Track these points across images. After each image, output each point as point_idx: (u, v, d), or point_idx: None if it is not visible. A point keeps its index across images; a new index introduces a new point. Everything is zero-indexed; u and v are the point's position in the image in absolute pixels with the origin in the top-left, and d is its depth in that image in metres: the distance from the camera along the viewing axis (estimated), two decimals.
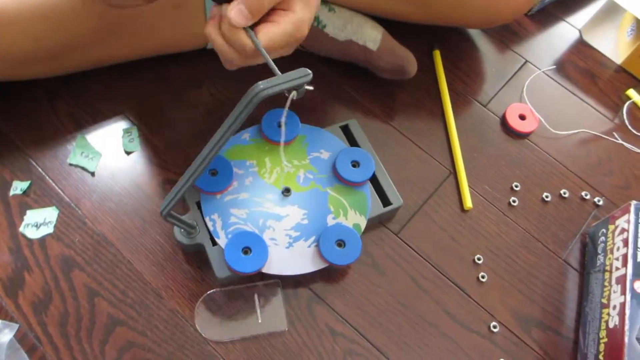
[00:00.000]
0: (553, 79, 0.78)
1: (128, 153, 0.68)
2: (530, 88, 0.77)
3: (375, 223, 0.68)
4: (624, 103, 0.77)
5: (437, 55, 0.79)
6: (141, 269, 0.62)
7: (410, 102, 0.75)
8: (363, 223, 0.64)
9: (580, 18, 0.85)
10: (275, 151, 0.67)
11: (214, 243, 0.61)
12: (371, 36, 0.71)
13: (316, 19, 0.70)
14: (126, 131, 0.69)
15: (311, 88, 0.45)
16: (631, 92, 0.79)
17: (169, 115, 0.71)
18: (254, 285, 0.62)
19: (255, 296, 0.61)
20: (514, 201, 0.68)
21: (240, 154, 0.67)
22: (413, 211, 0.67)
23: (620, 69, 0.80)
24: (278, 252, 0.62)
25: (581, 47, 0.82)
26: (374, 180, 0.68)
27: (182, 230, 0.61)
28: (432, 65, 0.78)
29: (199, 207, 0.63)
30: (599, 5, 0.84)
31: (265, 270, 0.60)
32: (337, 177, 0.67)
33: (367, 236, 0.65)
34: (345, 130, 0.71)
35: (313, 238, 0.63)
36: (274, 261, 0.61)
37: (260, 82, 0.42)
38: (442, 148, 0.72)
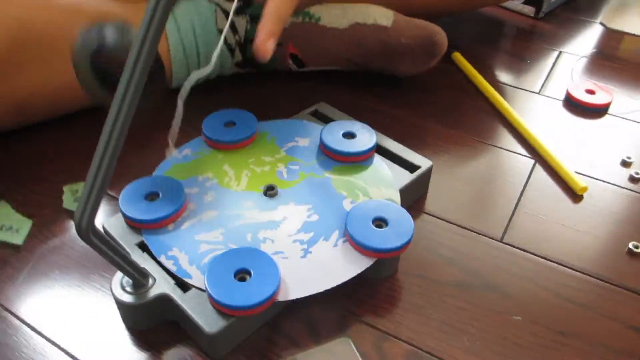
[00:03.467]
0: (601, 62, 0.66)
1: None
2: (579, 73, 0.64)
3: (413, 200, 0.46)
4: None
5: (459, 55, 0.64)
6: None
7: (446, 103, 0.58)
8: (396, 196, 0.43)
9: (593, 14, 0.78)
10: (233, 155, 0.46)
11: (185, 289, 0.36)
12: (381, 12, 0.55)
13: (306, 14, 0.54)
14: (70, 189, 0.46)
15: None
16: None
17: (131, 161, 0.49)
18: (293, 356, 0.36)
19: None
20: (637, 173, 0.49)
21: (186, 173, 0.45)
22: (510, 211, 0.46)
23: None
24: (292, 268, 0.37)
25: (611, 33, 0.73)
26: (383, 152, 0.48)
27: (126, 282, 0.35)
28: (455, 69, 0.64)
29: (145, 250, 0.38)
30: None
31: (281, 297, 0.35)
32: (333, 157, 0.46)
33: (461, 250, 0.42)
34: (317, 115, 0.52)
35: (337, 233, 0.40)
36: (290, 281, 0.36)
37: None
38: (510, 138, 0.54)
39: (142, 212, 0.39)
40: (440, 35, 0.54)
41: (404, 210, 0.40)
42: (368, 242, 0.38)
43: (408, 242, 0.38)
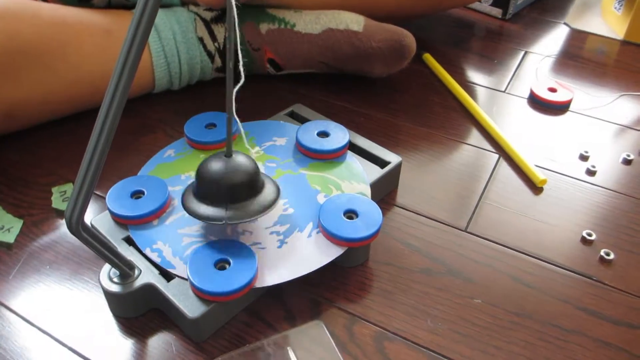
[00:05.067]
0: (564, 61, 0.70)
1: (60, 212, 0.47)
2: (544, 72, 0.68)
3: (384, 194, 0.49)
4: None
5: (429, 56, 0.68)
6: None
7: (417, 101, 0.61)
8: (367, 190, 0.46)
9: (558, 14, 0.81)
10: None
11: (169, 278, 0.38)
12: (352, 18, 0.58)
13: (282, 20, 0.57)
14: (59, 190, 0.48)
15: None
16: None
17: (117, 163, 0.51)
18: (267, 339, 0.39)
19: (290, 351, 0.37)
20: (593, 167, 0.53)
21: (169, 172, 0.47)
22: (474, 202, 0.49)
23: (625, 43, 0.74)
24: (269, 257, 0.40)
25: (576, 34, 0.76)
26: (355, 149, 0.51)
27: (113, 274, 0.38)
28: (425, 70, 0.67)
29: (130, 245, 0.41)
30: None
31: (258, 284, 0.38)
32: (308, 155, 0.49)
33: (427, 240, 0.46)
34: (293, 116, 0.55)
35: (311, 224, 0.43)
36: (267, 269, 0.39)
37: None
38: (477, 135, 0.57)
39: (128, 208, 0.42)
40: (409, 38, 0.57)
41: (373, 202, 0.43)
42: (339, 232, 0.40)
43: (377, 232, 0.41)
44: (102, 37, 0.51)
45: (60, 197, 0.48)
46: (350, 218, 0.42)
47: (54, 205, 0.47)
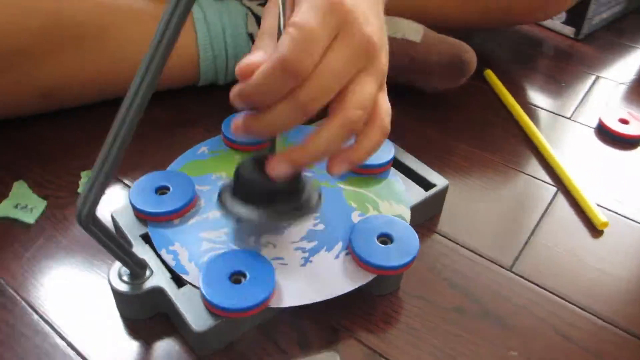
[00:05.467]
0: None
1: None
2: (615, 101, 0.62)
3: (425, 217, 0.45)
4: None
5: (491, 73, 0.63)
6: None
7: (474, 121, 0.57)
8: (406, 213, 0.42)
9: (637, 38, 0.75)
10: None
11: (180, 284, 0.36)
12: (412, 27, 0.54)
13: None
14: (88, 175, 0.47)
15: None
16: None
17: (151, 155, 0.50)
18: None
19: None
20: None
21: (200, 170, 0.45)
22: (524, 239, 0.45)
23: None
24: (290, 275, 0.37)
25: None
26: (400, 167, 0.47)
27: (124, 272, 0.36)
28: (486, 87, 0.62)
29: (147, 242, 0.39)
30: None
31: (274, 303, 0.35)
32: None
33: (466, 275, 0.41)
34: None
35: (340, 244, 0.39)
36: (285, 288, 0.36)
37: None
38: (535, 163, 0.52)
39: (150, 204, 0.40)
40: (470, 54, 0.53)
41: (411, 228, 0.39)
42: (369, 258, 0.37)
43: (410, 262, 0.37)
44: (149, 24, 0.49)
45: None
46: (384, 243, 0.39)
47: (80, 190, 0.46)
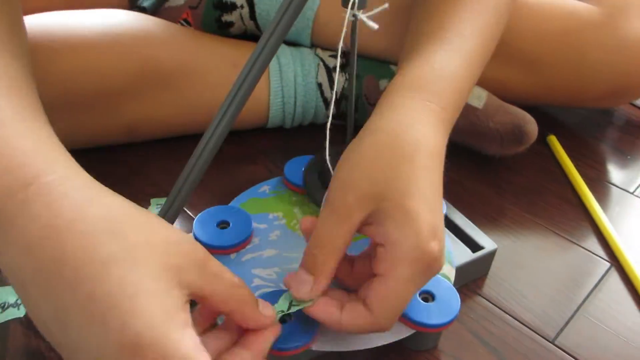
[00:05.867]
0: None
1: None
2: None
3: (470, 279, 0.46)
4: None
5: (554, 139, 0.63)
6: None
7: (531, 186, 0.58)
8: (451, 273, 0.43)
9: None
10: (306, 201, 0.49)
11: None
12: (475, 93, 0.56)
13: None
14: (157, 202, 0.51)
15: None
16: None
17: (215, 186, 0.54)
18: None
19: None
20: None
21: (259, 208, 0.48)
22: (570, 313, 0.45)
23: None
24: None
25: None
26: (449, 225, 0.48)
27: None
28: (547, 152, 0.63)
29: None
30: None
31: (316, 346, 0.37)
32: None
33: (506, 342, 0.42)
34: None
35: None
36: (327, 332, 0.38)
37: None
38: (590, 236, 0.52)
39: (210, 236, 0.43)
40: (531, 125, 0.54)
41: (454, 289, 0.40)
42: (409, 313, 0.38)
43: (449, 322, 0.38)
44: (228, 69, 0.54)
45: (156, 209, 0.50)
46: (426, 300, 0.40)
47: None
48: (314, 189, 0.45)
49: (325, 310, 0.33)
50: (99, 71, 0.49)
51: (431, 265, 0.32)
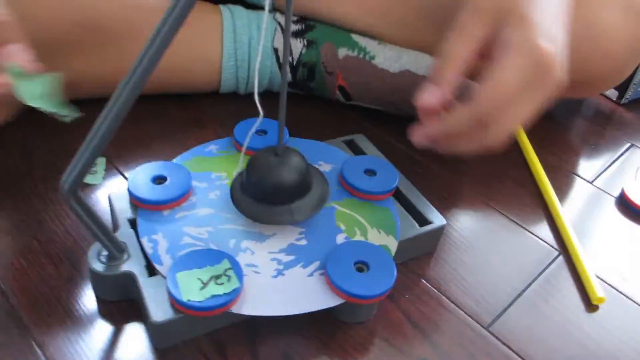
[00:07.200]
0: None
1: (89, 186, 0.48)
2: None
3: (415, 255, 0.44)
4: None
5: (519, 130, 0.61)
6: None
7: (491, 171, 0.56)
8: (393, 245, 0.41)
9: None
10: None
11: (152, 273, 0.37)
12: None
13: (362, 49, 0.55)
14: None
15: None
16: None
17: (161, 150, 0.52)
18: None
19: None
20: None
21: (203, 167, 0.46)
22: (510, 298, 0.43)
23: None
24: (259, 284, 0.37)
25: None
26: (400, 198, 0.46)
27: (101, 252, 0.37)
28: (513, 139, 0.61)
29: (134, 228, 0.40)
30: None
31: (235, 309, 0.35)
32: (347, 190, 0.45)
33: (440, 327, 0.40)
34: (351, 146, 0.52)
35: (317, 264, 0.39)
36: (251, 296, 0.36)
37: None
38: (541, 223, 0.51)
39: (143, 191, 0.41)
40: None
41: (391, 261, 0.39)
42: (340, 282, 0.37)
43: (381, 295, 0.37)
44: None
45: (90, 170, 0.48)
46: (360, 270, 0.38)
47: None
48: (241, 203, 0.41)
49: (433, 94, 0.36)
50: (37, 19, 0.47)
51: (543, 65, 0.33)
